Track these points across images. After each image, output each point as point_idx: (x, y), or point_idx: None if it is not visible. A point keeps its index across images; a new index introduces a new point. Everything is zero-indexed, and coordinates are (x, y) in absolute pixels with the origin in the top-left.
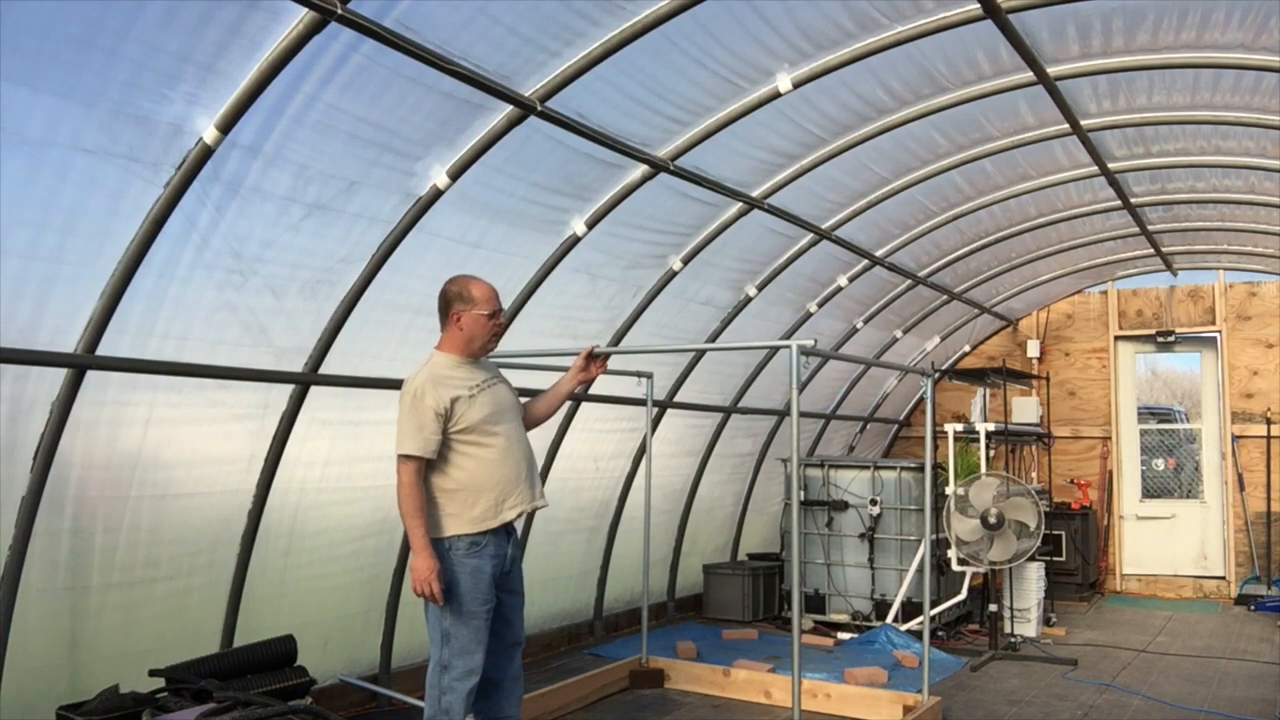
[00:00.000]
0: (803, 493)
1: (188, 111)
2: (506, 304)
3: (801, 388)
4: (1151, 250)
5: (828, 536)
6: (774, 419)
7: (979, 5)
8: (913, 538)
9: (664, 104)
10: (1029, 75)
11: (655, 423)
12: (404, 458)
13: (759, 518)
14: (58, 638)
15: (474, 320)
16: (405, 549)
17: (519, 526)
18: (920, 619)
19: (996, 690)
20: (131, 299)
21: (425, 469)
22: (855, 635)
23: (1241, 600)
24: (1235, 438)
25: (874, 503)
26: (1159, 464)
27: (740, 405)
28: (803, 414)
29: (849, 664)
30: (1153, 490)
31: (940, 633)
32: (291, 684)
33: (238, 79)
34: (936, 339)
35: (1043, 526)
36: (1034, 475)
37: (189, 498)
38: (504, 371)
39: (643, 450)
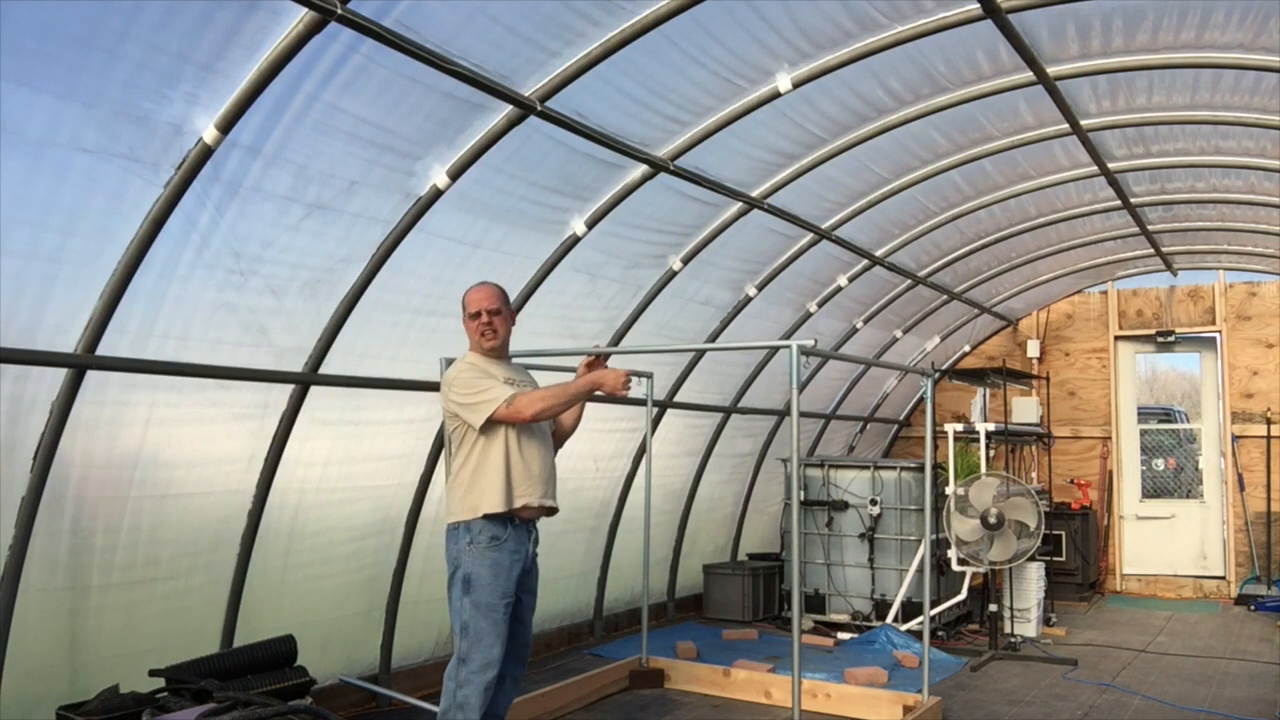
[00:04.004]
0: (803, 493)
1: (188, 111)
2: None
3: (801, 388)
4: (1151, 250)
5: (828, 536)
6: (774, 419)
7: (979, 5)
8: (913, 538)
9: (664, 104)
10: (1029, 75)
11: (655, 423)
12: (490, 420)
13: (759, 518)
14: (58, 638)
15: (465, 323)
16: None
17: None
18: (920, 619)
19: (996, 690)
20: (131, 299)
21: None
22: (855, 635)
23: (1241, 600)
24: (1235, 438)
25: (874, 503)
26: (1159, 464)
27: (740, 405)
28: (803, 414)
29: (849, 664)
30: (1152, 490)
31: (940, 633)
32: (291, 684)
33: (238, 79)
34: (936, 339)
35: (1043, 526)
36: (1034, 475)
37: (189, 498)
38: None
39: (643, 450)
